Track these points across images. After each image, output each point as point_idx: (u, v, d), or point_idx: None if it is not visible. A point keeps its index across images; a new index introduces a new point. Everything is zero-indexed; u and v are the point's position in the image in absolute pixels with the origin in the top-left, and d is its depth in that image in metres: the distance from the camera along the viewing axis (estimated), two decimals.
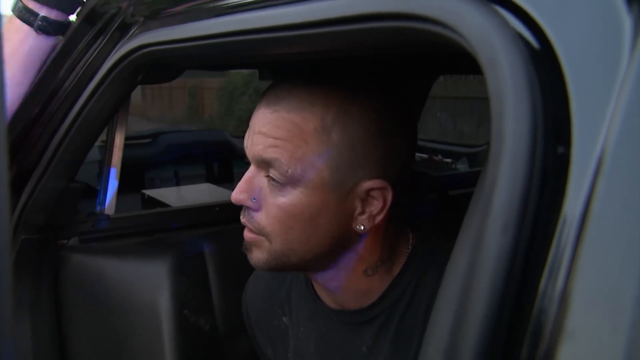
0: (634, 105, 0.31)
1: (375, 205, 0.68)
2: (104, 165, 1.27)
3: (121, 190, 1.29)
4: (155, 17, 0.90)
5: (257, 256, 0.71)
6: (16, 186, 1.07)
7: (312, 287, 0.82)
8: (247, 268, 0.97)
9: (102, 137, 1.25)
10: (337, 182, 0.66)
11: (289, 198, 0.67)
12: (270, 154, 0.66)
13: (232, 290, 1.19)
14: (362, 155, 0.66)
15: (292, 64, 1.29)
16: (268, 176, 0.68)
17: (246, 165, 0.73)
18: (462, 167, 2.28)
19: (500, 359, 0.32)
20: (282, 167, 0.66)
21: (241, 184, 0.70)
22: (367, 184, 0.67)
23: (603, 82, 0.33)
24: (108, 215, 1.25)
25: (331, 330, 0.79)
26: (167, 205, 1.59)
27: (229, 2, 0.74)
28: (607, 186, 0.30)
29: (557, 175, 0.33)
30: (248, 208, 0.70)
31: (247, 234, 0.72)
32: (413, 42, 0.47)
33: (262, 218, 0.69)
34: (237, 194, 0.69)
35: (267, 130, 0.67)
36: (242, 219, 0.71)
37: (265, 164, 0.68)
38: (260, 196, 0.69)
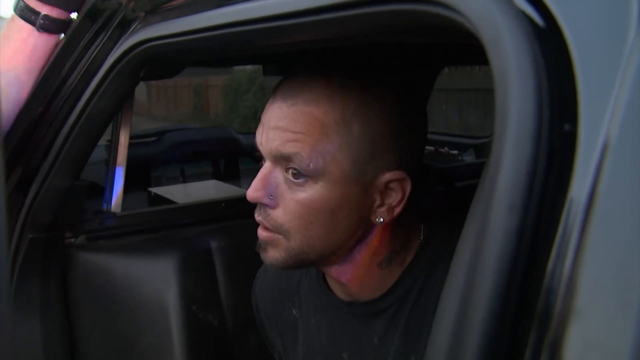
0: None
1: (394, 197, 0.68)
2: (109, 164, 1.27)
3: (128, 188, 1.29)
4: (156, 11, 0.90)
5: (273, 255, 0.70)
6: (22, 185, 1.08)
7: (322, 279, 0.81)
8: (255, 263, 0.97)
9: (108, 136, 1.26)
10: (358, 174, 0.66)
11: (310, 193, 0.66)
12: (290, 148, 0.65)
13: (240, 285, 1.19)
14: (382, 146, 0.66)
15: (296, 59, 1.28)
16: (286, 172, 0.67)
17: (252, 161, 0.72)
18: (469, 158, 2.27)
19: (508, 342, 0.32)
20: (303, 161, 0.64)
21: (257, 182, 0.68)
22: (387, 176, 0.67)
23: (609, 57, 0.32)
24: (115, 213, 1.25)
25: (342, 322, 0.79)
26: (173, 203, 1.59)
27: None
28: (615, 163, 0.29)
29: (564, 153, 0.32)
30: (264, 206, 0.69)
31: (262, 233, 0.70)
32: (415, 25, 0.46)
33: (279, 215, 0.68)
34: (254, 192, 0.68)
35: (285, 124, 0.66)
36: (257, 217, 0.70)
37: (283, 160, 0.66)
38: (277, 193, 0.68)
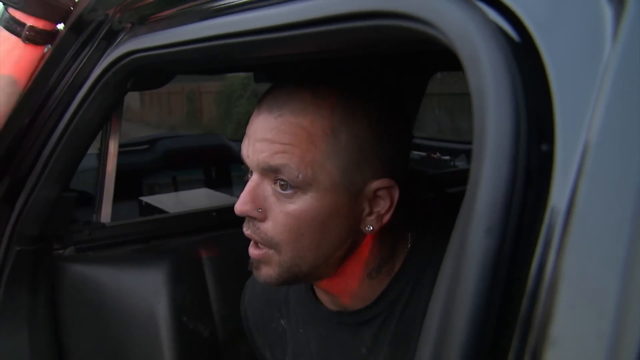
0: (615, 97, 0.30)
1: (382, 205, 0.68)
2: (99, 174, 1.26)
3: (119, 197, 1.29)
4: (143, 23, 0.90)
5: (267, 273, 0.69)
6: (9, 197, 1.07)
7: (311, 289, 0.81)
8: (245, 272, 0.96)
9: (99, 143, 1.25)
10: (347, 183, 0.66)
11: (299, 204, 0.65)
12: (278, 160, 0.64)
13: (230, 295, 1.18)
14: (369, 154, 0.66)
15: (287, 66, 1.28)
16: (274, 183, 0.66)
17: (243, 169, 0.71)
18: (461, 164, 2.27)
19: None
20: (292, 172, 0.64)
21: (244, 195, 0.67)
22: (375, 184, 0.67)
23: (585, 75, 0.32)
24: (104, 224, 1.25)
25: (330, 332, 0.79)
26: (164, 212, 1.58)
27: (214, 5, 0.73)
28: (590, 183, 0.29)
29: (541, 174, 0.32)
30: (253, 219, 0.68)
31: (253, 252, 0.70)
32: (396, 40, 0.46)
33: (269, 228, 0.67)
34: (242, 206, 0.67)
35: (273, 136, 0.65)
36: (247, 232, 0.69)
37: (272, 171, 0.66)
38: (266, 205, 0.67)
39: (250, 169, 0.69)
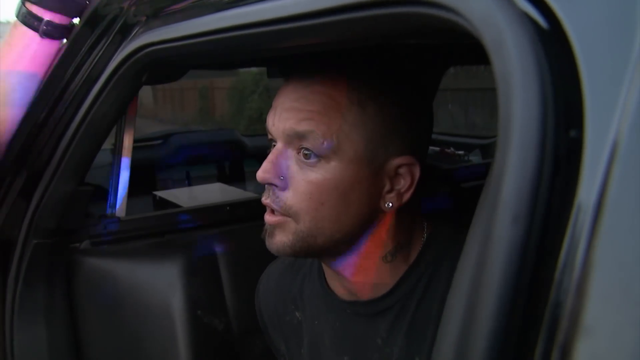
0: None
1: (403, 184, 0.69)
2: (113, 168, 1.27)
3: (133, 192, 1.29)
4: (157, 15, 0.90)
5: (281, 240, 0.69)
6: (27, 190, 1.07)
7: (324, 280, 0.81)
8: (260, 266, 0.96)
9: (113, 139, 1.26)
10: (371, 156, 0.66)
11: (321, 173, 0.66)
12: (304, 126, 0.65)
13: (245, 289, 1.18)
14: (393, 130, 0.67)
15: (301, 60, 1.27)
16: (298, 152, 0.67)
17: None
18: (475, 158, 2.25)
19: (514, 358, 0.31)
20: (318, 139, 0.65)
21: (267, 163, 0.68)
22: (397, 161, 0.68)
23: (616, 59, 0.31)
24: (119, 218, 1.25)
25: (345, 323, 0.78)
26: (178, 206, 1.59)
27: None
28: (623, 171, 0.28)
29: (570, 161, 0.31)
30: (274, 188, 0.68)
31: (269, 218, 0.69)
32: (418, 28, 0.46)
33: (289, 197, 0.67)
34: (263, 173, 0.67)
35: (300, 104, 0.66)
36: (265, 200, 0.69)
37: (297, 138, 0.66)
38: (288, 174, 0.67)
39: (275, 139, 0.69)
